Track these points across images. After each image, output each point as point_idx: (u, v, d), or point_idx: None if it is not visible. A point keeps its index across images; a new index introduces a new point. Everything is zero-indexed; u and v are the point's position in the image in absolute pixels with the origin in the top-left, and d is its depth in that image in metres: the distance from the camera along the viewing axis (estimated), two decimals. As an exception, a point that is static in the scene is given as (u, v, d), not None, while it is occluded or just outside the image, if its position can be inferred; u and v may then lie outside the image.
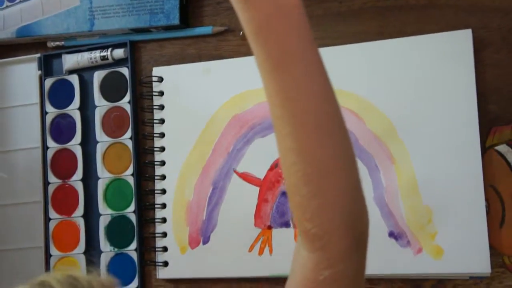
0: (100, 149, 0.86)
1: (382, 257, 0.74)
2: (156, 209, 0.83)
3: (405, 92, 0.75)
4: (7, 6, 0.89)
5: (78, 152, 0.87)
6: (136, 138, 0.85)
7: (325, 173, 0.47)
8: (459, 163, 0.72)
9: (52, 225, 0.87)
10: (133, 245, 0.83)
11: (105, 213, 0.85)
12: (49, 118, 0.88)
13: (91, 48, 0.87)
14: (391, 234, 0.74)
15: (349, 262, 0.48)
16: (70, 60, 0.88)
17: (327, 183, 0.47)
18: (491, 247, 0.70)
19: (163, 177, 0.83)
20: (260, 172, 0.79)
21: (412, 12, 0.76)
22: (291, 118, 0.47)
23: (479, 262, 0.70)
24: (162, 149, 0.83)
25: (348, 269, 0.48)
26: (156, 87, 0.85)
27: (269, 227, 0.78)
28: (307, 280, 0.49)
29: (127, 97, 0.85)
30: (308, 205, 0.47)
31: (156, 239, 0.83)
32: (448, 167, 0.72)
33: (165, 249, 0.82)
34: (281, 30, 0.47)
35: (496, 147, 0.72)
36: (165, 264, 0.82)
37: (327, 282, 0.48)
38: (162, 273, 0.82)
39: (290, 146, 0.47)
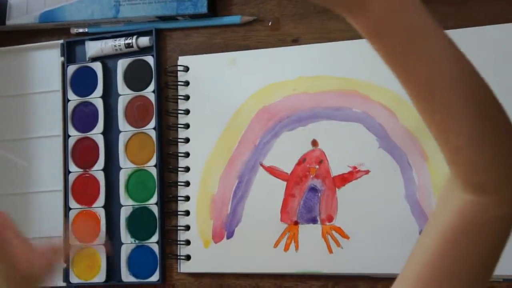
0: (122, 139, 0.84)
1: (412, 257, 0.72)
2: (179, 202, 0.81)
3: (440, 87, 0.73)
4: (31, -9, 0.87)
5: (100, 141, 0.85)
6: (160, 129, 0.83)
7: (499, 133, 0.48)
8: None
9: (72, 215, 0.85)
10: (155, 238, 0.82)
11: (127, 204, 0.83)
12: (71, 106, 0.86)
13: (115, 35, 0.85)
14: (422, 233, 0.72)
15: None
16: (93, 47, 0.86)
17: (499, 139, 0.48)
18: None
19: (187, 169, 0.81)
20: (288, 166, 0.77)
21: (452, 5, 0.74)
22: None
23: (515, 265, 0.68)
24: (187, 140, 0.82)
25: None
26: (182, 76, 0.83)
27: (296, 223, 0.76)
28: (466, 221, 0.49)
29: (152, 87, 0.83)
30: (478, 160, 0.48)
31: (179, 232, 0.81)
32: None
33: (187, 242, 0.80)
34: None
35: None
36: (188, 257, 0.80)
37: (491, 223, 0.49)
38: (184, 267, 0.80)
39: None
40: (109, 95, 0.86)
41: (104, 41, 0.85)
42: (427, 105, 0.48)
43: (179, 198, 0.81)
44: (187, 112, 0.82)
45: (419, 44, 0.46)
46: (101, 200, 0.84)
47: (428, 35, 0.46)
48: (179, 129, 0.82)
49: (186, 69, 0.82)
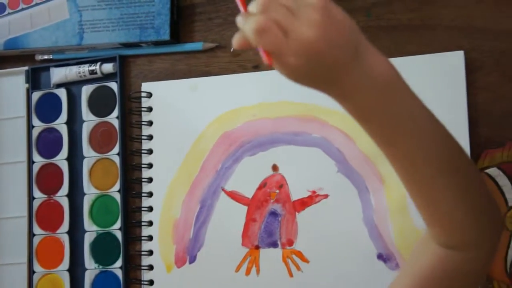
0: (86, 165, 0.84)
1: (370, 280, 0.73)
2: (142, 227, 0.82)
3: (396, 112, 0.74)
4: (-5, 18, 0.88)
5: (65, 167, 0.85)
6: (123, 154, 0.84)
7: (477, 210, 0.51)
8: (449, 185, 0.71)
9: (36, 241, 0.85)
10: (119, 263, 0.82)
11: (91, 230, 0.84)
12: (35, 132, 0.87)
13: (79, 62, 0.86)
14: (379, 257, 0.73)
15: (492, 258, 0.54)
16: (58, 74, 0.87)
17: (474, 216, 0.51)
18: (481, 271, 0.70)
19: (150, 194, 0.82)
20: (249, 191, 0.78)
21: (404, 32, 0.76)
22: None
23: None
24: (150, 165, 0.82)
25: (488, 264, 0.54)
26: (145, 102, 0.84)
27: (257, 247, 0.77)
28: (446, 269, 0.52)
29: (115, 112, 0.84)
30: (462, 222, 0.51)
31: (142, 257, 0.81)
32: (438, 189, 0.72)
33: (150, 267, 0.81)
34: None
35: (487, 170, 0.72)
36: (151, 282, 0.80)
37: (469, 274, 0.53)
38: (147, 292, 0.81)
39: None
40: (74, 121, 0.86)
41: (68, 67, 0.86)
42: (413, 181, 0.50)
43: (142, 223, 0.82)
44: (150, 137, 0.83)
45: (405, 130, 0.48)
46: (65, 226, 0.84)
47: (413, 121, 0.48)
48: (142, 154, 0.83)
49: (149, 95, 0.83)
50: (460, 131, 0.71)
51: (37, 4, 0.87)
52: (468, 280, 0.54)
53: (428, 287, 0.52)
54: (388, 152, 0.50)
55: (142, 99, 0.84)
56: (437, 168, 0.49)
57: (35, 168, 0.86)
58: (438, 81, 0.73)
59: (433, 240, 0.53)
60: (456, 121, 0.72)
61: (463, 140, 0.71)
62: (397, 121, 0.48)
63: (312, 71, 0.45)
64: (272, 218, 0.77)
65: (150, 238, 0.81)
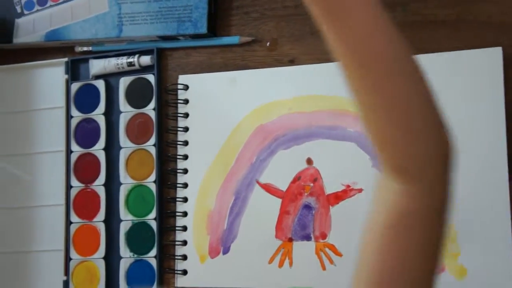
0: (123, 155, 0.86)
1: (403, 275, 0.73)
2: (177, 217, 0.83)
3: (432, 108, 0.74)
4: (37, 10, 0.90)
5: (102, 157, 0.87)
6: (159, 145, 0.85)
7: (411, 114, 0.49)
8: (485, 183, 0.71)
9: (73, 228, 0.87)
10: (153, 252, 0.83)
11: (126, 219, 0.85)
12: (74, 122, 0.88)
13: (118, 54, 0.87)
14: (413, 252, 0.73)
15: (441, 196, 0.49)
16: (97, 65, 0.88)
17: (413, 123, 0.49)
18: (516, 269, 0.69)
19: (185, 185, 0.83)
20: (283, 184, 0.79)
21: (441, 28, 0.76)
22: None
23: (503, 285, 0.68)
24: (185, 157, 0.83)
25: (444, 199, 0.50)
26: (182, 95, 0.85)
27: (290, 240, 0.78)
28: (400, 213, 0.50)
29: (152, 104, 0.85)
30: (396, 143, 0.50)
31: (176, 247, 0.83)
32: (474, 186, 0.71)
33: (184, 257, 0.82)
34: None
35: (524, 167, 0.71)
36: (184, 272, 0.82)
37: (423, 210, 0.49)
38: (181, 282, 0.82)
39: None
40: (111, 112, 0.88)
41: (107, 59, 0.88)
42: (361, 81, 0.50)
43: (177, 214, 0.83)
44: (186, 129, 0.84)
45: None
46: (101, 214, 0.86)
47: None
48: (178, 146, 0.84)
49: (186, 87, 0.85)
50: (497, 128, 0.71)
51: (77, -3, 0.88)
52: (422, 222, 0.49)
53: (391, 239, 0.50)
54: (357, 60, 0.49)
55: (179, 91, 0.85)
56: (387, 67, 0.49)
57: (73, 157, 0.88)
58: (475, 78, 0.72)
59: (384, 177, 0.51)
60: (493, 118, 0.71)
61: (500, 137, 0.71)
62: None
63: None
64: (306, 211, 0.77)
65: (184, 228, 0.82)
